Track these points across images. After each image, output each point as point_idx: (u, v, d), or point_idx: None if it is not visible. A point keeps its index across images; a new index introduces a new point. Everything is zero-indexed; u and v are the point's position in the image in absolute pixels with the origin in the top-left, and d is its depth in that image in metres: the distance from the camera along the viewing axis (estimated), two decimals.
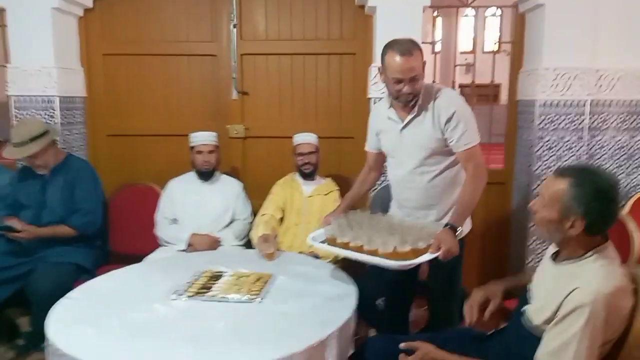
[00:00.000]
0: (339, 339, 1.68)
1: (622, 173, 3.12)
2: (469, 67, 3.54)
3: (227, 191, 2.99)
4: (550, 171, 3.03)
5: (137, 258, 2.60)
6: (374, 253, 1.89)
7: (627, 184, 3.12)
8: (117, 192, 3.23)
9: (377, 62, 3.00)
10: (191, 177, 2.99)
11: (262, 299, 1.90)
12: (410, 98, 2.03)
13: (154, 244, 2.90)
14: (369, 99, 3.14)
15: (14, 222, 2.59)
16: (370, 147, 2.39)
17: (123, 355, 1.55)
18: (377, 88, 3.06)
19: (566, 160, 3.03)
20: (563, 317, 1.35)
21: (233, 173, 3.32)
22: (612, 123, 3.07)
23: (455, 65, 3.69)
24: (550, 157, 3.04)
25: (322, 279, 2.15)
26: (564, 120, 3.00)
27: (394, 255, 1.85)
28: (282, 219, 2.91)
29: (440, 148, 2.09)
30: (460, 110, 2.04)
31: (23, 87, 3.11)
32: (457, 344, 1.72)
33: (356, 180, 2.44)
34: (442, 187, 2.15)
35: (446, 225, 1.95)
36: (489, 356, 1.63)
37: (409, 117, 2.09)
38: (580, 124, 3.00)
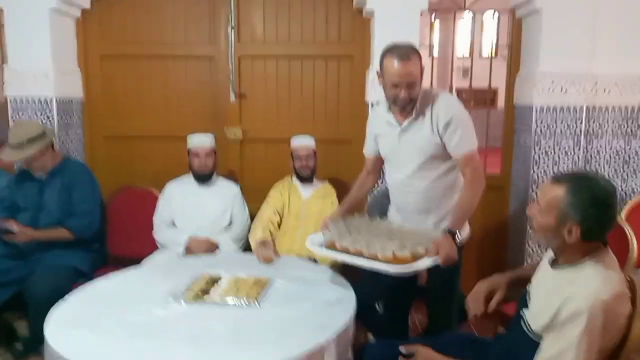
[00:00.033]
0: (337, 344, 1.68)
1: (619, 178, 3.14)
2: (466, 72, 3.55)
3: (224, 194, 2.99)
4: (548, 176, 3.05)
5: (134, 261, 2.60)
6: (373, 258, 1.89)
7: (624, 189, 3.14)
8: (115, 194, 3.22)
9: (375, 66, 3.03)
10: (189, 179, 2.99)
11: (260, 303, 1.90)
12: (407, 103, 2.03)
13: (151, 246, 2.89)
14: (367, 102, 3.15)
15: (12, 225, 2.58)
16: (368, 151, 2.39)
17: (122, 358, 1.55)
18: (374, 92, 3.06)
19: (563, 166, 3.05)
20: (561, 323, 1.36)
21: (231, 176, 3.32)
22: (608, 128, 3.09)
23: (452, 70, 3.70)
24: (547, 162, 3.05)
25: (320, 283, 2.15)
26: (560, 125, 3.02)
27: (394, 260, 1.85)
28: (280, 223, 2.90)
29: (438, 152, 2.09)
30: (458, 115, 2.05)
31: (20, 88, 3.10)
32: (456, 348, 1.72)
33: (354, 184, 2.44)
34: (440, 191, 2.16)
35: (445, 230, 1.96)
36: None
37: (407, 121, 2.10)
38: (576, 129, 3.02)
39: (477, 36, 14.87)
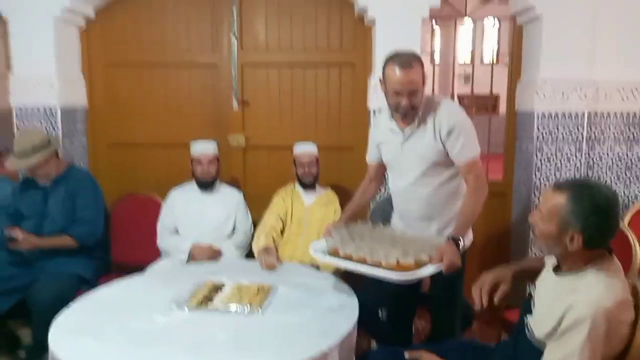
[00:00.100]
0: (340, 351, 1.69)
1: (621, 184, 3.14)
2: (468, 78, 3.57)
3: (227, 201, 3.00)
4: (550, 182, 3.05)
5: (138, 268, 2.61)
6: (377, 265, 1.89)
7: (626, 195, 3.14)
8: (118, 202, 3.23)
9: (376, 73, 3.04)
10: (192, 187, 3.00)
11: (264, 310, 1.90)
12: (409, 111, 2.04)
13: (155, 254, 2.90)
14: (369, 109, 3.16)
15: (16, 233, 2.60)
16: (371, 157, 2.40)
17: None
18: (376, 99, 3.08)
19: (565, 172, 3.05)
20: (564, 331, 1.36)
21: (233, 183, 3.33)
22: (610, 134, 3.09)
23: (453, 76, 3.71)
24: (549, 168, 3.05)
25: (323, 289, 2.15)
26: (562, 131, 3.02)
27: (397, 267, 1.85)
28: (282, 229, 2.91)
29: (441, 160, 2.10)
30: (461, 122, 2.05)
31: (25, 97, 3.13)
32: (459, 355, 1.73)
33: (357, 191, 2.45)
34: (443, 198, 2.16)
35: (448, 237, 1.96)
36: None
37: (410, 129, 2.11)
38: (578, 135, 3.02)
39: (478, 43, 14.92)
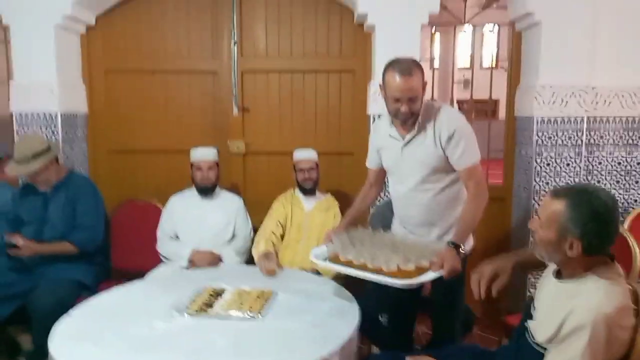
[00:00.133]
0: (341, 357, 1.68)
1: (621, 189, 3.14)
2: (467, 83, 3.58)
3: (227, 207, 3.00)
4: (549, 187, 3.05)
5: (138, 274, 2.61)
6: (378, 271, 1.89)
7: (626, 200, 3.14)
8: (118, 208, 3.23)
9: (376, 80, 3.05)
10: (192, 193, 3.01)
11: (264, 316, 1.90)
12: (408, 117, 2.05)
13: (155, 260, 2.90)
14: (368, 115, 3.17)
15: (17, 239, 2.60)
16: (371, 163, 2.40)
17: None
18: (376, 105, 3.09)
19: (564, 176, 3.06)
20: (564, 337, 1.35)
21: (233, 189, 3.33)
22: (609, 139, 3.10)
23: (452, 82, 3.72)
24: (549, 173, 3.06)
25: (324, 295, 2.15)
26: (561, 136, 3.03)
27: (398, 273, 1.85)
28: (282, 235, 2.91)
29: (441, 165, 2.10)
30: (461, 128, 2.06)
31: (25, 103, 3.14)
32: None
33: (357, 196, 2.45)
34: (444, 204, 2.16)
35: (449, 243, 1.96)
36: None
37: (410, 135, 2.11)
38: (577, 140, 3.03)
39: (477, 49, 14.97)
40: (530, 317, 1.56)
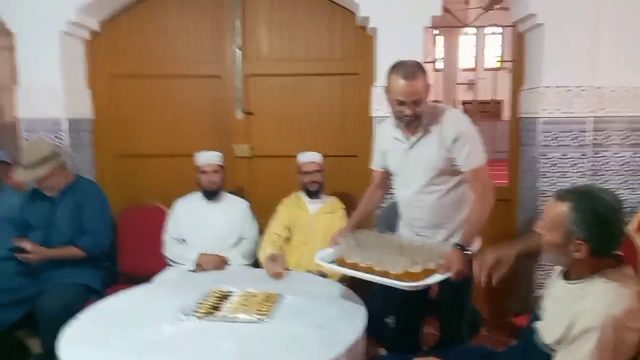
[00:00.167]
0: (348, 359, 1.68)
1: (627, 189, 3.13)
2: (471, 85, 3.58)
3: (233, 210, 3.01)
4: (555, 187, 3.04)
5: (145, 278, 2.62)
6: (384, 274, 1.90)
7: (632, 200, 3.13)
8: (125, 212, 3.25)
9: (379, 82, 3.06)
10: (197, 196, 3.02)
11: (271, 319, 1.91)
12: (412, 120, 2.05)
13: (161, 264, 2.91)
14: (372, 117, 3.17)
15: (25, 243, 2.61)
16: (376, 165, 2.40)
17: None
18: (379, 107, 3.09)
19: (570, 177, 3.04)
20: (572, 339, 1.35)
21: (239, 192, 3.34)
22: (615, 139, 3.08)
23: (457, 83, 3.72)
24: (555, 173, 3.05)
25: (331, 298, 2.16)
26: (567, 137, 3.02)
27: (405, 275, 1.85)
28: (288, 238, 2.92)
29: (447, 168, 2.10)
30: (466, 130, 2.06)
31: (32, 109, 3.16)
32: None
33: (362, 199, 2.45)
34: (450, 205, 2.16)
35: (455, 245, 1.96)
36: None
37: (415, 137, 2.11)
38: (583, 140, 3.02)
39: (480, 50, 14.96)
40: (538, 317, 1.56)
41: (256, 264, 2.89)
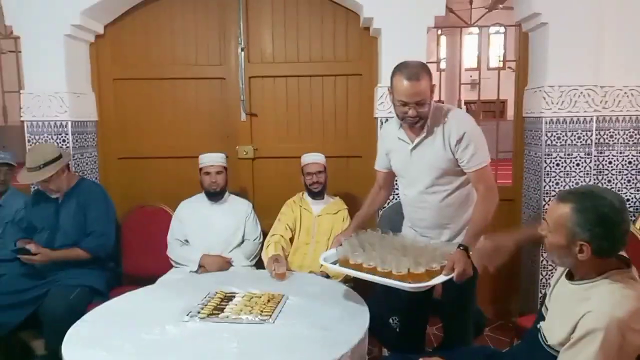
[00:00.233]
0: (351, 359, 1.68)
1: (632, 188, 3.12)
2: (475, 84, 3.57)
3: (236, 211, 3.02)
4: (559, 187, 3.04)
5: (149, 279, 2.62)
6: (387, 275, 1.89)
7: (637, 199, 3.12)
8: (129, 214, 3.26)
9: (383, 83, 3.06)
10: (201, 198, 3.02)
11: (274, 320, 1.91)
12: (416, 121, 2.04)
13: (166, 265, 2.92)
14: (376, 118, 3.17)
15: (30, 245, 2.63)
16: (379, 166, 2.40)
17: None
18: (383, 108, 3.10)
19: (574, 176, 3.04)
20: (576, 341, 1.34)
21: (242, 193, 3.34)
22: (619, 139, 3.08)
23: (460, 84, 3.72)
24: (559, 173, 3.04)
25: (334, 299, 2.15)
26: (571, 136, 3.01)
27: (408, 276, 1.85)
28: (292, 239, 2.92)
29: (451, 168, 2.10)
30: (470, 131, 2.05)
31: (36, 112, 3.18)
32: None
33: (366, 199, 2.45)
34: (455, 206, 2.16)
35: (459, 246, 1.96)
36: None
37: (419, 138, 2.11)
38: (587, 140, 3.01)
39: (484, 50, 14.92)
40: (543, 318, 1.55)
41: (259, 264, 2.89)
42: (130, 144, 3.51)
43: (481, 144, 2.08)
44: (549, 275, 3.06)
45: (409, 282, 1.85)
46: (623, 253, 1.48)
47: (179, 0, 3.39)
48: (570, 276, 1.52)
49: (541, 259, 3.08)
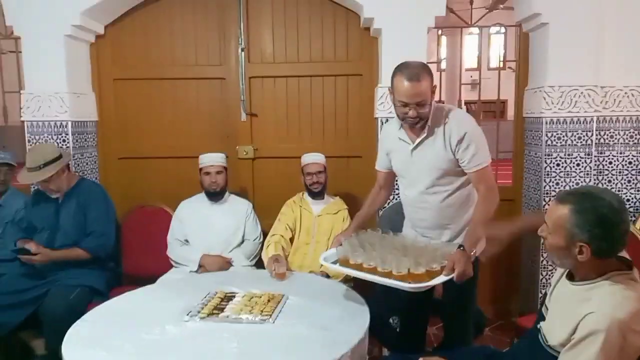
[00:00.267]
0: (351, 359, 1.68)
1: (632, 188, 3.12)
2: (475, 85, 3.57)
3: (236, 211, 3.02)
4: (559, 187, 3.04)
5: (149, 279, 2.62)
6: (388, 275, 1.89)
7: (638, 199, 3.12)
8: (129, 214, 3.26)
9: (383, 83, 3.06)
10: (201, 198, 3.03)
11: (274, 320, 1.91)
12: (417, 122, 2.04)
13: (166, 265, 2.92)
14: (376, 118, 3.18)
15: (30, 245, 2.63)
16: (380, 166, 2.40)
17: None
18: (383, 108, 3.10)
19: (575, 176, 3.04)
20: (577, 342, 1.34)
21: (242, 193, 3.35)
22: (619, 139, 3.08)
23: (461, 84, 3.71)
24: (559, 173, 3.04)
25: (334, 298, 2.15)
26: (571, 136, 3.01)
27: (409, 276, 1.85)
28: (292, 239, 2.92)
29: (452, 169, 2.09)
30: (471, 131, 2.05)
31: (37, 112, 3.18)
32: None
33: (366, 199, 2.45)
34: (455, 206, 2.15)
35: (460, 246, 1.95)
36: None
37: (420, 138, 2.10)
38: (587, 140, 3.01)
39: (484, 50, 14.91)
40: (543, 318, 1.55)
41: (259, 264, 2.89)
42: (130, 144, 3.51)
43: (482, 144, 2.07)
44: (549, 275, 3.06)
45: (409, 282, 1.85)
46: (625, 254, 1.48)
47: (180, 1, 3.39)
48: (570, 276, 1.51)
49: (541, 259, 3.08)
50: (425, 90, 1.98)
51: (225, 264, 2.81)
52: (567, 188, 3.01)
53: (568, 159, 3.03)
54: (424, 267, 1.87)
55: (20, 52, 3.23)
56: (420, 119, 2.02)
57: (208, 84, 3.47)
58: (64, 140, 3.20)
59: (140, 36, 3.43)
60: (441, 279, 1.88)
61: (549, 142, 3.03)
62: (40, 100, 3.16)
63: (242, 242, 2.98)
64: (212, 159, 2.97)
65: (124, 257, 3.10)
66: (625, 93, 3.03)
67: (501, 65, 13.53)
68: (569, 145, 3.03)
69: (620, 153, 3.10)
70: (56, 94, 3.16)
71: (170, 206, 3.16)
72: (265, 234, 2.99)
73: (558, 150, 3.03)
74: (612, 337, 1.29)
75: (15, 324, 2.55)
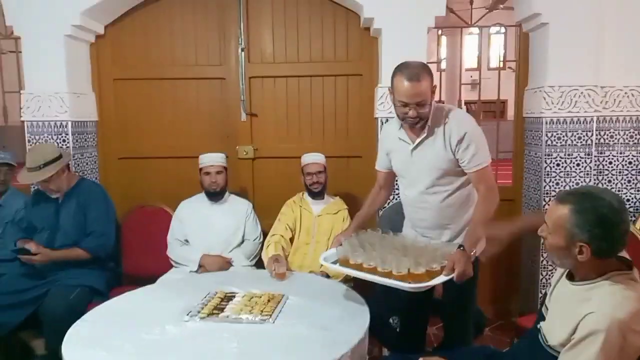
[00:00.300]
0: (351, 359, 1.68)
1: (632, 188, 3.12)
2: (475, 85, 3.57)
3: (236, 211, 3.02)
4: (559, 187, 3.04)
5: (149, 279, 2.62)
6: (388, 275, 1.89)
7: (638, 199, 3.12)
8: (129, 214, 3.26)
9: (383, 83, 3.06)
10: (201, 198, 3.03)
11: (274, 320, 1.91)
12: (416, 122, 2.04)
13: (166, 265, 2.92)
14: (376, 118, 3.18)
15: (30, 245, 2.63)
16: (380, 166, 2.40)
17: None
18: (383, 108, 3.10)
19: (575, 176, 3.04)
20: (577, 342, 1.34)
21: (242, 193, 3.35)
22: (619, 139, 3.08)
23: (461, 84, 3.71)
24: (559, 173, 3.04)
25: (334, 298, 2.15)
26: (571, 136, 3.01)
27: (409, 276, 1.85)
28: (292, 239, 2.92)
29: (452, 169, 2.09)
30: (471, 131, 2.05)
31: (37, 112, 3.18)
32: None
33: (366, 199, 2.45)
34: (455, 206, 2.15)
35: (460, 246, 1.95)
36: None
37: (420, 138, 2.10)
38: (587, 140, 3.01)
39: (484, 50, 14.91)
40: (543, 318, 1.55)
41: (259, 264, 2.89)
42: (130, 144, 3.51)
43: (482, 144, 2.07)
44: (549, 275, 3.06)
45: (409, 282, 1.85)
46: (625, 255, 1.48)
47: (180, 1, 3.39)
48: (570, 276, 1.51)
49: (541, 259, 3.08)
50: (425, 90, 1.97)
51: (225, 264, 2.81)
52: (567, 188, 3.01)
53: (568, 159, 3.03)
54: (424, 267, 1.87)
55: (20, 52, 3.23)
56: (420, 119, 2.02)
57: (208, 84, 3.47)
58: (64, 140, 3.20)
59: (140, 36, 3.43)
60: (441, 279, 1.88)
61: (549, 142, 3.03)
62: (40, 100, 3.16)
63: (242, 242, 2.98)
64: (212, 159, 2.97)
65: (124, 257, 3.10)
66: (625, 93, 3.03)
67: (501, 65, 13.52)
68: (569, 145, 3.03)
69: (620, 153, 3.10)
70: (56, 94, 3.16)
71: (170, 206, 3.16)
72: (265, 234, 2.99)
73: (558, 150, 3.03)
74: (612, 337, 1.29)
75: (15, 324, 2.55)
